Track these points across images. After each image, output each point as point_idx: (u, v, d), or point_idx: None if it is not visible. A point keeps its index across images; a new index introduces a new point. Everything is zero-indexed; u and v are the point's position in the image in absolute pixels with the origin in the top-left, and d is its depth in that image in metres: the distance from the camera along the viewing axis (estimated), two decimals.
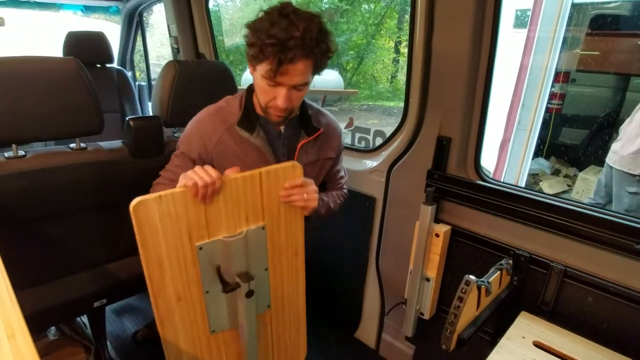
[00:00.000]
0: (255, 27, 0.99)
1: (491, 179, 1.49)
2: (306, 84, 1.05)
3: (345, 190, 1.43)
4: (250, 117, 1.16)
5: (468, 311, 1.16)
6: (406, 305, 1.63)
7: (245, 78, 8.08)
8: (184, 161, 1.17)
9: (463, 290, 1.12)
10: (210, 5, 2.41)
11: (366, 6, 9.79)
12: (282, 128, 1.20)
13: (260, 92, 1.08)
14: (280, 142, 1.20)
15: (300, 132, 1.21)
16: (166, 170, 1.22)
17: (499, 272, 1.27)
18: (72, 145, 1.39)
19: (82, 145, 1.40)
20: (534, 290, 1.33)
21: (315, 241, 1.59)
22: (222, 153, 1.16)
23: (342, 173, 1.43)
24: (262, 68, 1.00)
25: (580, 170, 4.38)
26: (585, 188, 4.15)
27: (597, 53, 4.15)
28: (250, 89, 1.17)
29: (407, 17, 9.21)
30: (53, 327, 1.78)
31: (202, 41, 2.43)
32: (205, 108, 1.22)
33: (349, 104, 9.74)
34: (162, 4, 2.50)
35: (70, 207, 1.41)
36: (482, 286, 1.17)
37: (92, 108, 1.35)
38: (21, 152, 1.29)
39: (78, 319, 1.89)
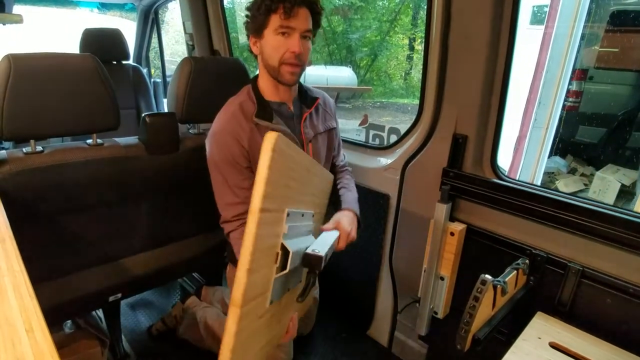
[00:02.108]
0: (255, 3, 1.14)
1: (508, 177, 1.47)
2: (310, 31, 1.17)
3: (349, 169, 1.58)
4: (264, 106, 1.23)
5: (483, 311, 1.14)
6: (420, 304, 1.62)
7: None
8: (240, 170, 1.21)
9: (479, 290, 1.11)
10: (225, 2, 2.42)
11: (380, 3, 9.74)
12: (291, 108, 1.30)
13: (273, 51, 1.15)
14: (295, 121, 1.30)
15: (302, 107, 1.33)
16: (238, 188, 1.23)
17: (515, 271, 1.26)
18: (89, 141, 1.41)
19: (99, 141, 1.42)
20: (551, 291, 1.31)
21: None
22: (254, 146, 1.20)
23: (341, 148, 1.57)
24: (274, 21, 1.12)
25: (598, 169, 4.30)
26: (603, 187, 4.07)
27: (616, 50, 4.07)
28: (254, 82, 1.28)
29: (422, 13, 9.15)
30: (69, 321, 1.82)
31: (217, 38, 2.43)
32: (221, 113, 1.26)
33: (362, 101, 9.70)
34: (177, 1, 2.51)
35: (86, 202, 1.43)
36: (498, 286, 1.16)
37: (109, 104, 1.36)
38: (39, 148, 1.31)
39: (94, 312, 1.92)
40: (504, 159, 4.23)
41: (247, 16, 1.20)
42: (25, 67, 1.22)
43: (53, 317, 1.48)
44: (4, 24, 2.72)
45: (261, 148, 0.80)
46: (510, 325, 1.39)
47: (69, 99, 1.29)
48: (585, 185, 4.40)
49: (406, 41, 10.25)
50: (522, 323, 1.21)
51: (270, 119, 1.23)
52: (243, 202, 1.21)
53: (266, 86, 1.27)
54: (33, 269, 0.79)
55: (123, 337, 1.93)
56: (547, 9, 3.98)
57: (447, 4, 1.38)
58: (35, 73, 1.24)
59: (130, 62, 3.02)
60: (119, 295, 1.67)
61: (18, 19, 2.68)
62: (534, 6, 4.49)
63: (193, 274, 2.37)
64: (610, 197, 3.98)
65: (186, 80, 1.53)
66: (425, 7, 1.48)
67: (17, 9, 2.79)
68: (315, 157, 1.35)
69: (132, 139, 1.51)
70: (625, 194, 3.98)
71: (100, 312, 1.94)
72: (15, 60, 1.20)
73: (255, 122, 1.21)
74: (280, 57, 1.16)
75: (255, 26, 1.17)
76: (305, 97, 1.35)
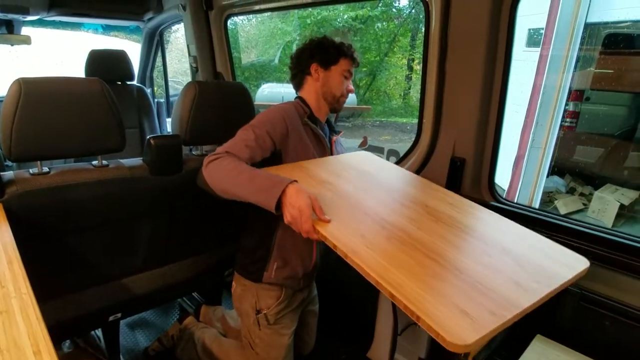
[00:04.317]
0: (331, 40, 1.45)
1: (505, 200, 1.49)
2: None
3: None
4: (313, 115, 1.47)
5: None
6: (420, 326, 1.62)
7: (260, 95, 8.20)
8: (262, 138, 1.29)
9: None
10: (228, 24, 2.47)
11: (379, 24, 9.92)
12: (325, 126, 1.55)
13: (337, 87, 1.45)
14: (327, 137, 1.53)
15: (330, 131, 1.57)
16: (238, 143, 1.26)
17: None
18: (94, 162, 1.44)
19: (104, 162, 1.44)
20: (550, 314, 1.31)
21: (328, 258, 1.60)
22: (297, 138, 1.38)
23: None
24: (345, 64, 1.44)
25: (596, 189, 4.32)
26: (602, 207, 4.09)
27: (610, 72, 4.14)
28: (301, 98, 1.49)
29: (420, 35, 9.31)
30: (68, 340, 1.81)
31: (220, 61, 2.48)
32: (278, 104, 1.42)
33: (361, 119, 9.80)
34: (182, 24, 2.58)
35: (91, 222, 1.45)
36: None
37: (115, 127, 1.39)
38: (45, 169, 1.34)
39: (92, 332, 1.92)
40: (503, 178, 4.26)
41: (313, 47, 1.45)
42: (35, 90, 1.25)
43: (53, 336, 1.48)
44: (12, 45, 2.79)
45: None
46: (509, 348, 1.39)
47: (76, 121, 1.32)
48: (585, 205, 4.41)
49: (405, 61, 10.40)
50: (521, 346, 1.22)
51: (316, 125, 1.45)
52: (232, 151, 1.24)
53: (313, 105, 1.48)
54: (35, 289, 0.80)
55: (121, 357, 1.92)
56: (542, 32, 4.06)
57: (443, 30, 1.43)
58: (44, 96, 1.27)
59: (135, 82, 3.07)
60: (119, 315, 1.67)
61: (26, 40, 2.75)
62: (529, 29, 4.58)
63: (193, 293, 2.37)
64: (609, 217, 4.00)
65: (190, 104, 1.57)
66: (423, 28, 1.53)
67: (25, 30, 2.85)
68: None
69: (137, 160, 1.54)
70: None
71: (99, 332, 1.94)
72: (25, 84, 1.23)
73: (304, 122, 1.42)
74: (341, 91, 1.46)
75: (326, 59, 1.44)
76: (332, 126, 1.61)
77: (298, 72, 1.49)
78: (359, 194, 1.20)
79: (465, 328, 0.76)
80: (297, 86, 1.52)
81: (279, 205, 1.07)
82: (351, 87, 1.49)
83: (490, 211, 1.23)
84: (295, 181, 1.09)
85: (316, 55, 1.45)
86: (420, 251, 0.97)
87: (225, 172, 1.17)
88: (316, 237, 1.04)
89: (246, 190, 1.12)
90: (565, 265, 1.00)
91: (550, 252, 1.06)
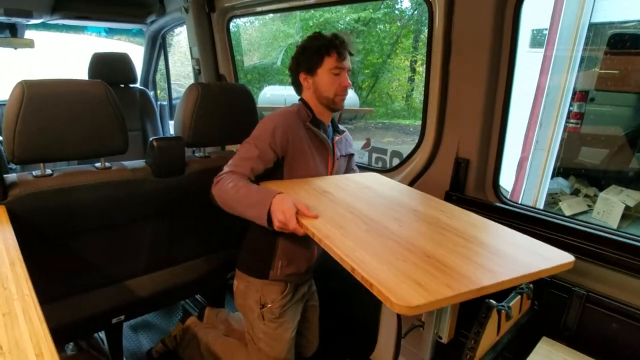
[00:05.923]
0: (313, 42, 1.41)
1: (510, 200, 1.48)
2: (351, 69, 1.46)
3: None
4: (316, 118, 1.47)
5: (488, 336, 1.14)
6: (424, 328, 1.61)
7: (262, 97, 8.22)
8: (264, 152, 1.36)
9: (483, 315, 1.10)
10: (230, 26, 2.48)
11: (382, 26, 9.92)
12: (328, 127, 1.55)
13: (328, 87, 1.42)
14: (330, 138, 1.53)
15: (333, 132, 1.57)
16: (241, 159, 1.35)
17: (519, 296, 1.25)
18: (97, 164, 1.44)
19: (107, 164, 1.44)
20: (556, 315, 1.30)
21: (331, 261, 1.59)
22: (297, 144, 1.41)
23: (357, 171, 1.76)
24: (329, 62, 1.40)
25: (601, 190, 4.29)
26: (607, 208, 4.06)
27: (615, 72, 4.12)
28: (304, 102, 1.49)
29: (423, 36, 9.31)
30: (71, 343, 1.81)
31: (223, 63, 2.49)
32: (279, 110, 1.45)
33: (364, 122, 9.80)
34: (184, 26, 2.58)
35: (93, 224, 1.45)
36: (503, 311, 1.15)
37: (118, 130, 1.39)
38: (48, 171, 1.33)
39: (96, 334, 1.92)
40: (507, 180, 4.24)
41: (298, 56, 1.44)
42: (38, 93, 1.25)
43: (56, 339, 1.48)
44: (15, 48, 2.80)
45: None
46: (515, 350, 1.38)
47: (79, 123, 1.32)
48: (589, 206, 4.39)
49: (407, 63, 10.40)
50: (527, 348, 1.21)
51: (319, 128, 1.46)
52: (235, 169, 1.34)
53: (315, 108, 1.48)
54: (38, 291, 0.80)
55: (125, 359, 1.91)
56: (546, 32, 4.04)
57: (447, 30, 1.42)
58: (47, 99, 1.27)
59: (138, 85, 3.08)
60: (122, 317, 1.66)
61: (29, 43, 2.76)
62: (533, 30, 4.56)
63: (195, 295, 2.37)
64: (614, 218, 3.97)
65: (193, 105, 1.57)
66: (426, 30, 1.52)
67: (28, 33, 2.87)
68: (337, 173, 1.58)
69: (139, 163, 1.53)
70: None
71: (102, 334, 1.93)
72: (28, 87, 1.23)
73: (307, 127, 1.43)
74: (335, 90, 1.42)
75: (310, 66, 1.42)
76: (336, 126, 1.60)
77: (294, 80, 1.51)
78: (352, 199, 1.27)
79: (414, 295, 0.80)
80: (298, 92, 1.54)
81: (270, 218, 1.18)
82: (346, 81, 1.44)
83: (486, 219, 1.23)
84: (281, 192, 1.19)
85: (301, 63, 1.45)
86: (394, 240, 1.03)
87: (226, 192, 1.27)
88: (302, 232, 1.12)
89: (242, 207, 1.24)
90: (542, 257, 1.02)
91: (531, 247, 1.07)
